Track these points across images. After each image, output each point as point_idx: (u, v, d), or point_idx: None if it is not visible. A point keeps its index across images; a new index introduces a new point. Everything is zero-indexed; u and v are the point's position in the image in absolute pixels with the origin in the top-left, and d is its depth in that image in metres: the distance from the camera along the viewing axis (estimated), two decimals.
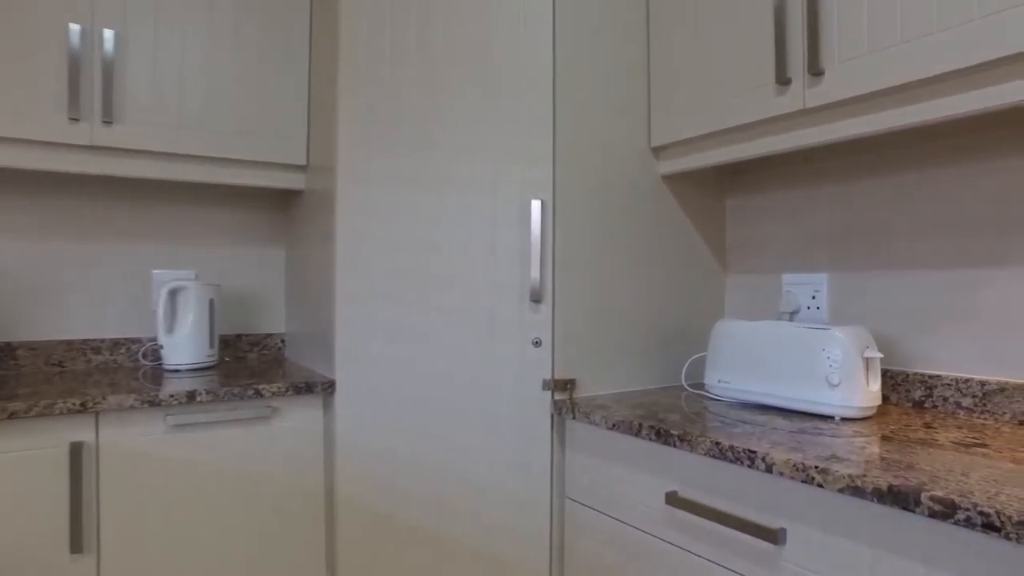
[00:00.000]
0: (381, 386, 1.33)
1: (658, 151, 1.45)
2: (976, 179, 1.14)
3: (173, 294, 1.56)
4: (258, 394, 1.32)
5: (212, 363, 1.62)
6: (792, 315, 1.41)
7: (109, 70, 1.39)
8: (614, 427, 1.12)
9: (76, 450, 1.16)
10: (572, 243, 1.32)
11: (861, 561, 0.78)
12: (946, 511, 0.68)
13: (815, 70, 1.07)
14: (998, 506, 0.65)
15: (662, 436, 1.03)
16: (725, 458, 0.93)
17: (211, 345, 1.60)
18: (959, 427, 1.04)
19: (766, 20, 1.18)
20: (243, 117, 1.56)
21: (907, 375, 1.22)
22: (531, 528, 1.29)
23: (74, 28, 1.35)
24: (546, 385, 1.29)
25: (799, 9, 1.11)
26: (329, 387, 1.37)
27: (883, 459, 0.83)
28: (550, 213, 1.29)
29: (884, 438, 0.96)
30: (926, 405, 1.19)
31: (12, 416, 1.10)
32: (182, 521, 1.26)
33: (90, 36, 1.38)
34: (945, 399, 1.16)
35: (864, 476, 0.76)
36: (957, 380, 1.15)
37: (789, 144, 1.16)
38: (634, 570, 1.10)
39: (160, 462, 1.24)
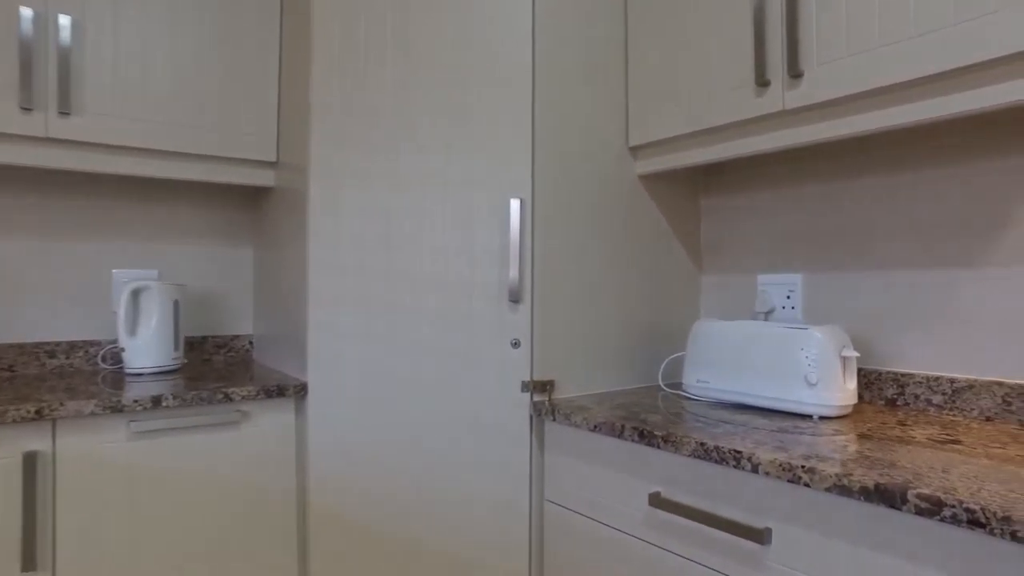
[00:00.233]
0: (355, 388, 1.30)
1: (636, 151, 1.45)
2: (949, 182, 1.17)
3: (135, 294, 1.49)
4: (227, 398, 1.27)
5: (177, 366, 1.55)
6: (767, 315, 1.43)
7: (65, 58, 1.31)
8: (596, 429, 1.11)
9: (30, 460, 1.09)
10: (551, 243, 1.30)
11: (846, 559, 0.79)
12: (932, 508, 0.69)
13: (794, 72, 1.08)
14: (982, 502, 0.66)
15: (645, 437, 1.02)
16: (710, 459, 0.92)
17: (176, 347, 1.54)
18: (931, 424, 1.06)
19: (745, 22, 1.18)
20: (209, 110, 1.50)
21: (880, 373, 1.24)
22: (510, 532, 1.27)
23: (26, 12, 1.28)
24: (525, 387, 1.27)
25: (778, 11, 1.12)
26: (301, 390, 1.32)
27: (866, 457, 0.84)
28: (529, 212, 1.27)
29: (862, 436, 0.97)
30: (898, 403, 1.21)
31: None
32: (145, 534, 1.20)
33: (44, 20, 1.31)
34: (916, 396, 1.19)
35: (851, 475, 0.76)
36: (928, 378, 1.17)
37: (767, 145, 1.17)
38: (616, 573, 1.10)
39: (122, 471, 1.18)
